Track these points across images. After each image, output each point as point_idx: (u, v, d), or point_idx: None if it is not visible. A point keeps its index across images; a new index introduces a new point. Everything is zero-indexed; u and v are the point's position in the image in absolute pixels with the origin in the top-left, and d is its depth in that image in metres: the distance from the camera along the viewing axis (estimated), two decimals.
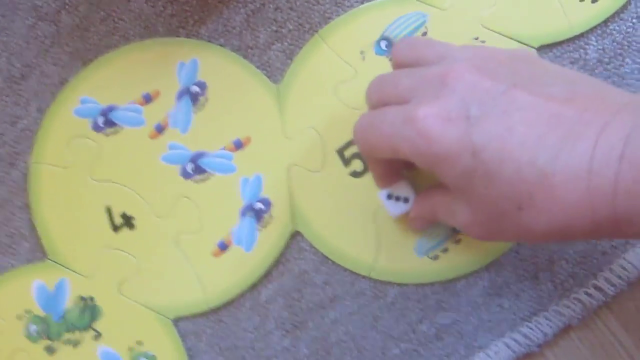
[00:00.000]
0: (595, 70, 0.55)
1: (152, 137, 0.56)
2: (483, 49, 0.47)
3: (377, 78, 0.49)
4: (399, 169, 0.52)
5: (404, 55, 0.49)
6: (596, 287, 0.53)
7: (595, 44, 0.55)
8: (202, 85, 0.56)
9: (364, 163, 0.55)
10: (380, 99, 0.48)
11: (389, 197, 0.52)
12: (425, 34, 0.55)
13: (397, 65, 0.50)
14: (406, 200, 0.51)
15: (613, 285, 0.53)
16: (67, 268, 0.55)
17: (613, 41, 0.55)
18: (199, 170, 0.55)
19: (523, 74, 0.44)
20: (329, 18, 0.56)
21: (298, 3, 0.56)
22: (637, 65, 0.55)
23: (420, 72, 0.46)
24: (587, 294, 0.53)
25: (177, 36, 0.57)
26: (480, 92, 0.42)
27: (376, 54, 0.55)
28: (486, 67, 0.44)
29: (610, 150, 0.38)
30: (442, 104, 0.42)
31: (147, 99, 0.56)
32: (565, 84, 0.42)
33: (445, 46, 0.48)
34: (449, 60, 0.46)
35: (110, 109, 0.56)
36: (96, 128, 0.56)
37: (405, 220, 0.53)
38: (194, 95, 0.56)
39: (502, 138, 0.41)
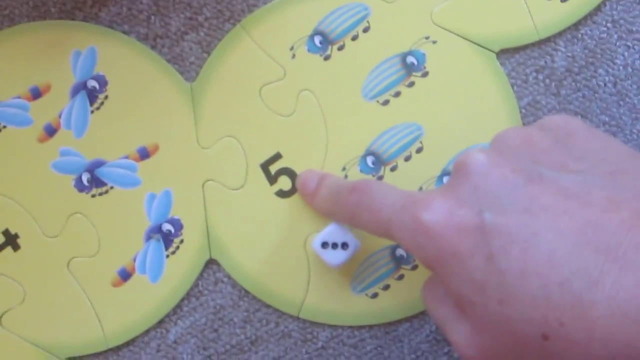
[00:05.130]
0: (564, 82, 0.52)
1: (41, 140, 0.51)
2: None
3: None
4: None
5: None
6: None
7: (564, 50, 0.52)
8: (101, 80, 0.52)
9: (292, 180, 0.52)
10: None
11: (324, 245, 0.48)
12: (367, 29, 0.52)
13: None
14: (345, 245, 0.48)
15: None
16: None
17: (584, 48, 0.52)
18: (97, 182, 0.51)
19: (553, 160, 0.38)
20: (254, 6, 0.52)
21: None
22: (611, 77, 0.52)
23: None
24: None
25: (73, 19, 0.52)
26: (499, 180, 0.37)
27: (309, 51, 0.52)
28: (509, 150, 0.39)
29: None
30: (451, 192, 0.38)
31: (36, 93, 0.51)
32: (605, 180, 0.37)
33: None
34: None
35: None
36: None
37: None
38: (91, 91, 0.52)
39: (525, 245, 0.35)
